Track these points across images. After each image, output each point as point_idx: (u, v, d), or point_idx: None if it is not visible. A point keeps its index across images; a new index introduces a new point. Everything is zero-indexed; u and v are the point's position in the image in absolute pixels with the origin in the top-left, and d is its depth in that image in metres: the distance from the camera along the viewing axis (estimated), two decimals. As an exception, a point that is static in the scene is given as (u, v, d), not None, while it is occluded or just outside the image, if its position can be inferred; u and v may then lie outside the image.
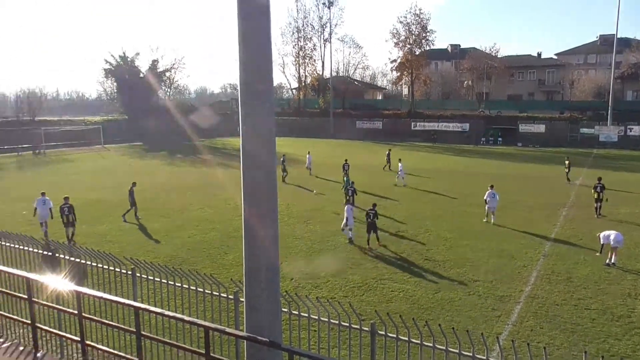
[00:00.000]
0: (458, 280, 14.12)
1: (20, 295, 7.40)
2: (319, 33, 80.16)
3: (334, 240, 18.20)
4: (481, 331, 10.13)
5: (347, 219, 18.38)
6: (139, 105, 63.25)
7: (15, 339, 7.71)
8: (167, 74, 74.03)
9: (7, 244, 8.84)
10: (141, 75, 68.98)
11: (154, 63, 71.37)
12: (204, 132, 59.41)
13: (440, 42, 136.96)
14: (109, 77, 70.78)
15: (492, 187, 21.54)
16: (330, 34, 78.67)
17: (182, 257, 16.08)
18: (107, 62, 69.02)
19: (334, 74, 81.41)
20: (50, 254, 8.16)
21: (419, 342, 5.86)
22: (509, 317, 11.73)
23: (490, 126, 62.47)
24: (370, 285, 13.78)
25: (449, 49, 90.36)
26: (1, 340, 7.68)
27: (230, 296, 7.04)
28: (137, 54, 69.94)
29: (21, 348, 7.41)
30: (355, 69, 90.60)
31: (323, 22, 79.22)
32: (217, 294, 7.16)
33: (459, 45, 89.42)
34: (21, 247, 8.55)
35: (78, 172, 36.32)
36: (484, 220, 21.17)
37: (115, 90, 71.37)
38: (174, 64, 73.80)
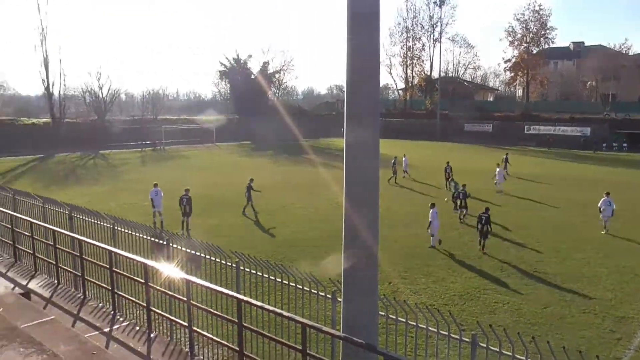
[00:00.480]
0: (571, 296, 13.05)
1: (138, 279, 8.07)
2: (429, 33, 78.68)
3: (435, 245, 17.70)
4: (596, 354, 9.26)
5: (430, 223, 17.83)
6: (249, 105, 66.39)
7: (133, 319, 8.39)
8: (277, 75, 76.83)
9: (129, 232, 9.65)
10: (252, 76, 72.28)
11: (265, 65, 74.43)
12: (309, 133, 60.87)
13: (562, 39, 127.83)
14: (223, 78, 75.08)
15: (607, 194, 19.87)
16: (440, 33, 76.92)
17: (283, 253, 16.55)
18: (222, 64, 73.29)
19: (442, 74, 79.36)
20: (163, 242, 8.78)
21: (523, 358, 5.49)
22: (631, 341, 10.60)
23: (615, 130, 57.10)
24: (472, 294, 13.19)
25: (571, 47, 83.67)
26: (121, 319, 8.41)
27: (328, 295, 7.09)
28: (250, 56, 73.42)
29: (137, 328, 8.05)
30: (465, 69, 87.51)
31: (433, 22, 77.66)
32: (316, 292, 7.25)
33: (583, 43, 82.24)
34: (140, 235, 9.29)
35: (192, 168, 38.88)
36: (602, 232, 19.42)
37: (228, 92, 75.53)
38: (283, 66, 76.49)
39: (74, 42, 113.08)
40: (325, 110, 79.74)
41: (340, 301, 5.88)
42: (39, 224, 10.90)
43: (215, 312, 7.04)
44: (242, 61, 72.58)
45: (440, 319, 6.34)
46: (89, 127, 55.19)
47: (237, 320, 6.48)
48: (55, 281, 10.15)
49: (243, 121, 65.59)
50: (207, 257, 8.31)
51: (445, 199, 24.70)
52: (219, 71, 74.29)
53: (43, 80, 56.53)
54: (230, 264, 8.12)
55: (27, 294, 9.22)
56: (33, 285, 10.02)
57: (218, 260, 8.15)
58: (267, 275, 7.76)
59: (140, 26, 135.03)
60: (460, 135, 64.20)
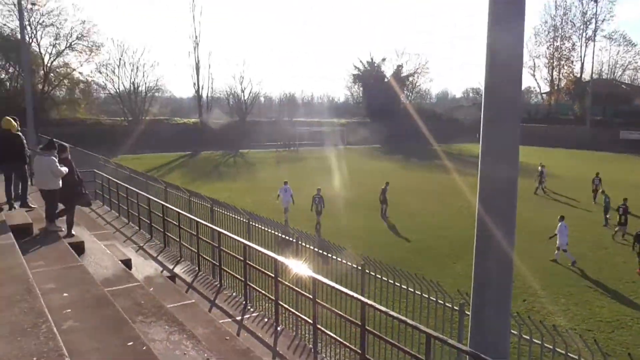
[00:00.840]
0: None
1: (269, 273, 8.45)
2: (581, 31, 72.13)
3: (579, 264, 16.10)
4: None
5: (559, 238, 16.16)
6: (380, 108, 66.57)
7: (262, 311, 8.82)
8: (410, 78, 76.02)
9: (262, 227, 10.17)
10: (385, 80, 72.35)
11: (399, 68, 74.06)
12: (442, 137, 59.22)
13: None
14: (356, 82, 76.18)
15: None
16: (595, 31, 70.02)
17: (410, 260, 16.26)
18: (356, 68, 74.42)
19: (595, 76, 72.07)
20: (290, 239, 9.09)
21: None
22: None
23: None
24: (624, 322, 11.76)
25: None
26: (251, 309, 8.88)
27: (455, 307, 6.79)
28: (384, 59, 73.58)
29: (265, 320, 8.44)
30: (623, 71, 78.47)
31: (587, 18, 71.04)
32: (442, 302, 6.98)
33: None
34: (272, 231, 9.73)
35: (322, 169, 39.92)
36: None
37: (360, 95, 76.46)
38: (417, 69, 75.46)
39: (221, 48, 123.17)
40: (460, 114, 77.02)
41: (468, 314, 5.58)
42: (185, 215, 11.97)
43: (340, 312, 7.11)
44: (375, 64, 73.04)
45: (582, 346, 5.72)
46: (231, 127, 59.47)
47: (360, 323, 6.48)
48: (197, 268, 11.05)
49: (374, 124, 65.90)
50: (334, 257, 8.44)
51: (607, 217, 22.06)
52: (353, 75, 75.57)
53: (194, 84, 62.44)
54: (356, 266, 8.16)
55: (172, 277, 10.14)
56: (178, 270, 11.01)
57: (344, 261, 8.23)
58: (392, 281, 7.66)
59: (279, 32, 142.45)
60: (614, 144, 57.68)
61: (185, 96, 76.40)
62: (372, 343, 7.01)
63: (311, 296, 7.39)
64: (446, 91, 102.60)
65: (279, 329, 8.12)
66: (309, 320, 7.57)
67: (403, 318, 5.81)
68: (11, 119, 10.43)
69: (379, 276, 7.87)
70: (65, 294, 5.81)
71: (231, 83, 68.60)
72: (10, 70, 50.95)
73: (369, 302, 6.42)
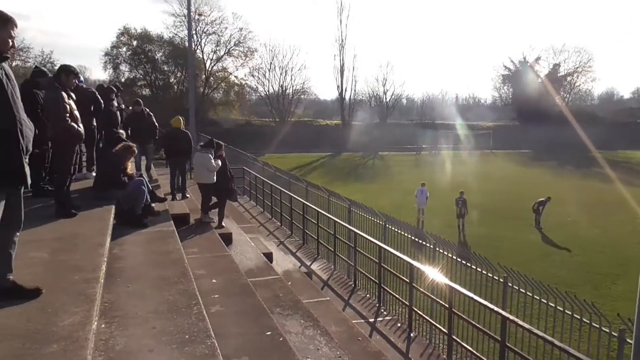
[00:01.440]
0: None
1: (403, 278, 8.34)
2: None
3: None
4: None
5: None
6: (531, 111, 61.93)
7: (395, 315, 8.73)
8: (568, 78, 69.81)
9: (398, 231, 10.07)
10: (539, 80, 67.34)
11: (555, 67, 68.45)
12: (603, 143, 53.29)
13: None
14: (505, 82, 72.00)
15: None
16: None
17: (559, 276, 14.90)
18: (505, 67, 70.42)
19: None
20: (428, 245, 8.85)
21: None
22: None
23: None
24: None
25: None
26: (384, 312, 8.84)
27: (614, 333, 6.04)
28: (538, 58, 68.59)
29: (398, 324, 8.33)
30: None
31: None
32: (597, 326, 6.25)
33: None
34: (408, 235, 9.59)
35: (465, 174, 38.38)
36: None
37: (510, 96, 72.10)
38: (577, 67, 68.96)
39: (366, 50, 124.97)
40: (628, 117, 68.70)
41: (629, 343, 4.94)
42: (323, 214, 12.33)
43: (478, 325, 6.76)
44: (528, 64, 68.34)
45: None
46: (371, 129, 59.96)
47: (500, 339, 6.09)
48: (332, 267, 11.31)
49: (523, 128, 61.68)
50: (473, 267, 8.04)
51: None
52: (502, 75, 71.61)
53: (338, 86, 64.11)
54: (497, 278, 7.68)
55: (309, 273, 10.50)
56: (314, 266, 11.37)
57: (484, 272, 7.80)
58: (538, 297, 7.07)
59: (424, 32, 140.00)
60: None
61: (329, 98, 78.75)
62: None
63: (447, 305, 7.12)
64: (611, 91, 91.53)
65: (412, 335, 7.96)
66: (444, 330, 7.31)
67: (549, 339, 5.34)
68: (181, 118, 11.70)
69: (523, 290, 7.31)
70: (214, 280, 6.32)
71: (374, 85, 69.03)
72: (178, 75, 57.11)
73: (511, 317, 6.00)
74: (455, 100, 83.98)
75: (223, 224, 10.12)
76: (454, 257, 8.40)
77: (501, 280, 7.57)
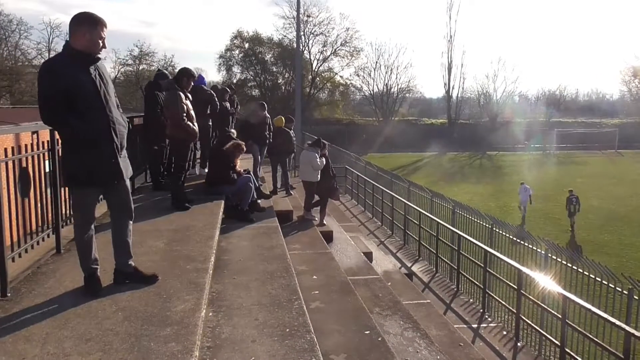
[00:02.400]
0: None
1: (511, 284, 7.92)
2: None
3: None
4: None
5: None
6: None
7: (500, 322, 8.31)
8: None
9: (506, 234, 9.58)
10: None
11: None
12: None
13: None
14: (637, 75, 65.31)
15: None
16: None
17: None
18: (638, 58, 63.97)
19: None
20: (541, 252, 8.31)
21: None
22: None
23: None
24: None
25: None
26: (489, 319, 8.45)
27: None
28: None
29: (504, 332, 7.93)
30: None
31: None
32: None
33: None
34: (518, 240, 9.08)
35: (584, 176, 35.45)
36: None
37: (640, 91, 65.42)
38: None
39: (475, 46, 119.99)
40: None
41: None
42: (425, 214, 12.07)
43: (596, 339, 6.23)
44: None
45: None
46: (480, 128, 57.55)
47: (622, 356, 5.57)
48: (434, 269, 11.04)
49: (657, 125, 55.38)
50: (592, 276, 7.41)
51: None
52: (632, 67, 65.00)
53: (445, 84, 62.21)
54: (620, 289, 6.99)
55: (410, 275, 10.34)
56: (415, 268, 11.18)
57: (605, 282, 7.14)
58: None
59: (540, 25, 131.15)
60: None
61: (435, 96, 76.71)
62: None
63: (560, 315, 6.65)
64: None
65: (519, 344, 7.53)
66: (556, 342, 6.83)
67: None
68: (283, 118, 12.12)
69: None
70: (314, 277, 6.45)
71: (483, 82, 66.04)
72: (285, 76, 58.97)
73: (637, 333, 5.45)
74: (575, 96, 77.61)
75: (324, 222, 10.30)
76: (569, 264, 7.80)
77: (625, 292, 6.90)
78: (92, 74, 3.48)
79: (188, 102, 6.64)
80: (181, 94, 6.49)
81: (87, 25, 3.42)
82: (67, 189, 4.54)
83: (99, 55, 3.54)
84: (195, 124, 6.73)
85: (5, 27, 47.45)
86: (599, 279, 7.17)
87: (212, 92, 9.96)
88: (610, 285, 7.04)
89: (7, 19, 47.19)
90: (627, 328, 5.65)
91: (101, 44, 3.48)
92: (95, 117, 3.45)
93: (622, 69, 74.33)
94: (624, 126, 58.23)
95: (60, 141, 3.69)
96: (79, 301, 3.53)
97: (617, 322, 5.80)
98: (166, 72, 8.77)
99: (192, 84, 6.91)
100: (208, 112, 9.37)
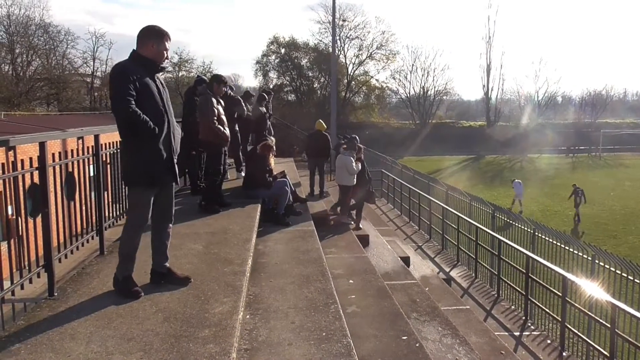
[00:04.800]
0: None
1: (555, 291, 7.67)
2: None
3: None
4: None
5: None
6: None
7: (544, 331, 8.05)
8: None
9: (549, 239, 9.29)
10: None
11: None
12: None
13: None
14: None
15: None
16: None
17: None
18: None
19: None
20: (588, 258, 8.01)
21: None
22: None
23: None
24: None
25: None
26: (532, 327, 8.19)
27: None
28: None
29: (548, 341, 7.67)
30: None
31: None
32: None
33: None
34: (562, 245, 8.80)
35: (632, 179, 34.07)
36: None
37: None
38: None
39: (515, 47, 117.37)
40: None
41: None
42: (464, 219, 11.84)
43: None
44: None
45: None
46: (520, 130, 56.12)
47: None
48: (473, 274, 10.80)
49: None
50: (637, 281, 7.09)
51: None
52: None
53: (483, 85, 61.05)
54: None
55: (448, 280, 10.15)
56: (454, 273, 10.97)
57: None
58: None
59: (583, 21, 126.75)
60: None
61: (473, 99, 75.44)
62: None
63: (609, 324, 6.38)
64: None
65: (564, 354, 7.27)
66: (604, 352, 6.56)
67: None
68: (322, 122, 12.35)
69: None
70: (350, 281, 6.42)
71: (524, 83, 64.45)
72: (321, 80, 59.15)
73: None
74: (623, 96, 74.63)
75: (360, 225, 10.24)
76: (617, 271, 7.49)
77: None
78: (157, 81, 3.73)
79: (219, 107, 6.75)
80: (213, 98, 6.61)
81: (154, 37, 3.68)
82: (125, 189, 4.67)
83: (164, 65, 3.79)
84: (227, 128, 6.82)
85: (54, 38, 49.50)
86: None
87: (238, 97, 10.11)
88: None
89: (55, 29, 49.24)
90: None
91: (165, 55, 3.74)
92: (160, 121, 3.64)
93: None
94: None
95: (121, 141, 3.80)
96: (121, 301, 3.62)
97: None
98: (204, 78, 8.93)
99: (225, 89, 7.04)
100: (235, 116, 9.51)
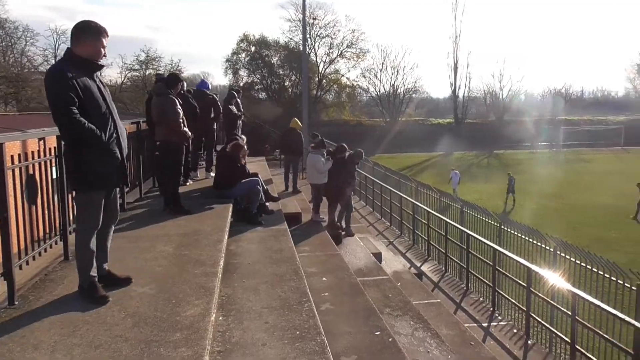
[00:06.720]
0: None
1: (520, 282, 7.89)
2: None
3: None
4: None
5: None
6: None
7: (510, 321, 8.27)
8: None
9: (514, 232, 9.53)
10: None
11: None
12: None
13: None
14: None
15: None
16: None
17: None
18: (645, 55, 63.52)
19: None
20: (553, 251, 8.25)
21: None
22: None
23: None
24: None
25: None
26: (499, 317, 8.42)
27: None
28: (683, 41, 60.97)
29: (514, 331, 7.89)
30: None
31: None
32: None
33: None
34: (526, 237, 9.04)
35: (591, 173, 35.21)
36: None
37: (646, 87, 64.94)
38: None
39: (481, 46, 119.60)
40: None
41: None
42: (434, 214, 12.03)
43: (606, 335, 6.19)
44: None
45: None
46: (486, 127, 57.22)
47: (633, 352, 5.53)
48: (443, 268, 11.00)
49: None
50: (600, 272, 7.35)
51: None
52: (637, 64, 64.61)
53: (451, 84, 61.99)
54: (629, 285, 6.93)
55: (419, 274, 10.31)
56: (425, 268, 11.14)
57: (613, 278, 7.08)
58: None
59: (545, 23, 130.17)
60: None
61: (441, 96, 76.40)
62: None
63: (570, 313, 6.61)
64: None
65: (529, 342, 7.49)
66: (566, 339, 6.79)
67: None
68: (297, 120, 12.66)
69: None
70: (324, 279, 6.45)
71: (489, 81, 65.83)
72: (292, 78, 58.92)
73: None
74: (580, 94, 77.03)
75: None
76: (577, 261, 7.75)
77: (634, 288, 6.83)
78: (96, 80, 3.57)
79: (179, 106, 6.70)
80: (175, 99, 6.55)
81: (91, 35, 3.50)
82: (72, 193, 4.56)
83: (103, 63, 3.64)
84: (186, 127, 6.75)
85: (12, 34, 47.61)
86: (608, 276, 7.11)
87: (214, 96, 10.04)
88: (619, 281, 6.98)
89: (13, 25, 47.32)
90: (637, 324, 5.61)
91: (103, 52, 3.58)
92: (105, 122, 3.52)
93: (627, 67, 73.88)
94: (629, 123, 57.82)
95: (65, 145, 3.66)
96: (88, 307, 3.53)
97: (627, 318, 5.76)
98: (163, 75, 8.79)
99: (181, 89, 6.99)
100: (212, 115, 9.44)
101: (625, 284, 6.91)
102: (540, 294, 7.47)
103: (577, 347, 6.58)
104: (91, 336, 3.12)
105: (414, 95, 63.39)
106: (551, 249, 8.36)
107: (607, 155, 47.81)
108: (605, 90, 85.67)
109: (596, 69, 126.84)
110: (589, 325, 6.45)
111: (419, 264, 11.36)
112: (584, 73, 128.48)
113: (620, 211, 22.19)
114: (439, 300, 8.35)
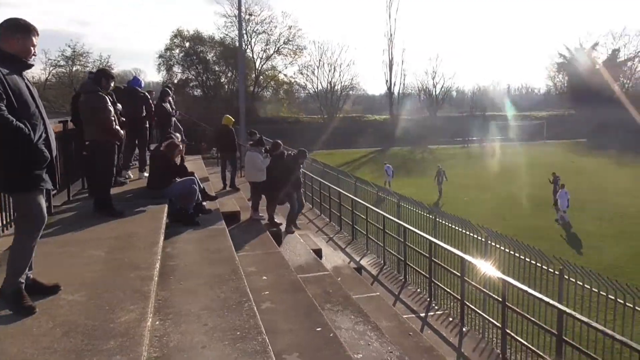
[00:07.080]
0: None
1: (455, 272, 8.20)
2: None
3: None
4: None
5: None
6: (588, 99, 58.84)
7: (446, 310, 8.59)
8: (629, 63, 65.83)
9: (449, 224, 9.90)
10: (597, 67, 63.94)
11: (614, 53, 64.75)
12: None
13: None
14: (561, 71, 68.92)
15: None
16: None
17: (619, 267, 14.24)
18: (560, 55, 67.39)
19: None
20: (484, 240, 8.63)
21: None
22: None
23: None
24: None
25: None
26: (436, 307, 8.72)
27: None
28: (596, 44, 65.16)
29: (450, 319, 8.20)
30: None
31: None
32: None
33: None
34: (460, 228, 9.41)
35: (516, 165, 37.00)
36: None
37: (565, 85, 69.08)
38: (639, 52, 64.99)
39: (415, 44, 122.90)
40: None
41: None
42: (372, 209, 12.27)
43: (533, 319, 6.57)
44: (584, 50, 65.08)
45: None
46: (421, 123, 58.89)
47: (556, 332, 5.90)
48: (382, 262, 11.24)
49: (580, 117, 58.85)
50: (527, 259, 7.78)
51: None
52: (557, 63, 68.58)
53: (386, 81, 63.36)
54: (552, 270, 7.40)
55: (359, 269, 10.48)
56: (364, 262, 11.34)
57: (538, 264, 7.53)
58: (596, 290, 6.76)
59: (474, 23, 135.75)
60: None
61: (377, 93, 77.87)
62: (572, 356, 6.31)
63: (500, 299, 6.96)
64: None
65: (464, 329, 7.82)
66: (497, 324, 7.14)
67: (610, 332, 5.13)
68: (230, 117, 12.56)
69: (580, 283, 7.01)
70: (264, 277, 6.43)
71: (423, 78, 67.70)
72: (228, 75, 58.03)
73: (567, 310, 5.79)
74: (507, 91, 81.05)
75: (276, 221, 10.27)
76: (506, 250, 8.17)
77: (556, 272, 7.30)
78: (25, 79, 3.44)
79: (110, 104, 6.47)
80: (105, 96, 6.31)
81: (20, 32, 3.39)
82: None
83: (31, 62, 3.50)
84: (118, 126, 6.53)
85: None
86: (534, 262, 7.55)
87: (146, 93, 9.73)
88: (544, 267, 7.44)
89: None
90: (559, 306, 5.99)
91: (33, 51, 3.46)
92: (36, 122, 3.38)
93: (548, 65, 78.41)
94: (550, 118, 61.55)
95: None
96: (11, 319, 3.31)
97: (551, 302, 6.14)
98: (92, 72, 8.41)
99: (112, 85, 6.74)
100: (144, 114, 9.15)
101: (550, 270, 7.39)
102: (473, 283, 7.79)
103: (508, 331, 6.94)
104: (14, 350, 2.93)
105: (350, 92, 64.09)
106: (483, 239, 8.75)
107: (530, 148, 50.52)
108: (530, 87, 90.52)
109: (521, 67, 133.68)
110: (518, 310, 6.82)
111: (358, 259, 11.54)
112: (510, 71, 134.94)
113: (544, 200, 23.56)
114: (378, 293, 8.53)
